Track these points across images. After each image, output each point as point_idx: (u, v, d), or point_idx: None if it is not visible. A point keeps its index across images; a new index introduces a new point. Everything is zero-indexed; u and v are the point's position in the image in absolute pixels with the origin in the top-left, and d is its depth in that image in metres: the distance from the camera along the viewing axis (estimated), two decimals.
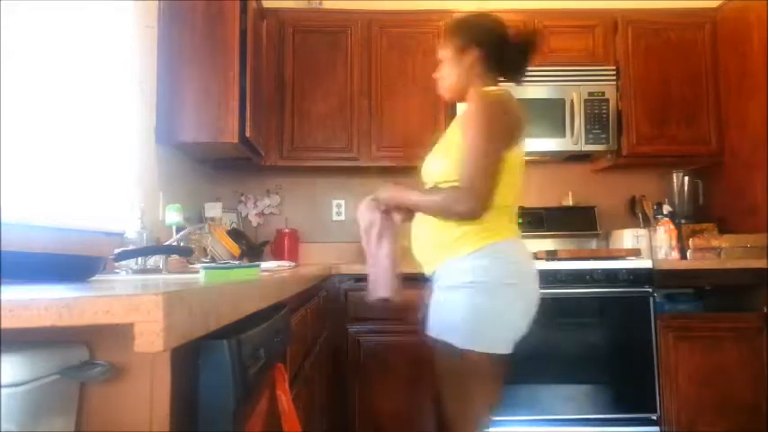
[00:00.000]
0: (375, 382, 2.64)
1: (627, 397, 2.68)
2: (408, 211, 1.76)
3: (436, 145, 1.75)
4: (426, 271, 1.72)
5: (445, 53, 1.75)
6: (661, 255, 3.03)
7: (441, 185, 1.65)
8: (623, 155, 3.13)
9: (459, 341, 1.55)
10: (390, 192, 1.75)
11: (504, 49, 1.71)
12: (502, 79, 1.75)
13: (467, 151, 1.56)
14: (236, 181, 3.36)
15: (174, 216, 2.06)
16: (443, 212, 1.61)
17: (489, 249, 1.58)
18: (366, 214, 1.77)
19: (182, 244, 1.84)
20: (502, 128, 1.58)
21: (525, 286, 1.62)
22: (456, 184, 1.57)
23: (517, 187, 1.67)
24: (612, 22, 3.18)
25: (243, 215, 3.35)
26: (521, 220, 3.30)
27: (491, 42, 1.71)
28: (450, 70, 1.74)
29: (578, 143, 3.06)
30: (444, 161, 1.65)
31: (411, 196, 1.70)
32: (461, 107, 1.71)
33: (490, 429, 2.67)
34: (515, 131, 1.62)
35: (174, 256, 1.79)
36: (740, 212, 3.07)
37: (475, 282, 1.56)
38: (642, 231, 3.17)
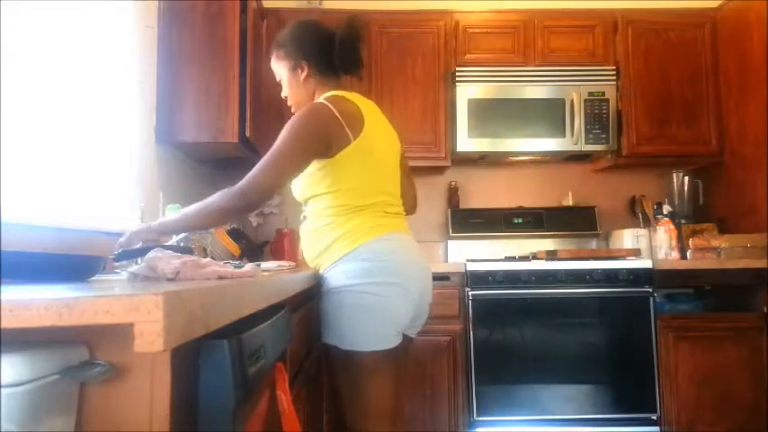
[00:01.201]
0: None
1: (627, 397, 2.68)
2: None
3: None
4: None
5: (281, 74, 1.76)
6: (661, 255, 3.03)
7: (309, 200, 1.68)
8: (623, 155, 3.13)
9: (342, 343, 1.59)
10: (151, 233, 1.62)
11: (331, 52, 1.71)
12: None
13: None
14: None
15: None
16: (218, 213, 1.61)
17: (359, 251, 1.59)
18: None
19: (182, 244, 1.83)
20: (305, 135, 1.57)
21: (406, 283, 1.61)
22: (320, 193, 1.62)
23: (375, 184, 1.66)
24: (612, 22, 3.18)
25: None
26: (520, 220, 3.30)
27: (316, 51, 1.72)
28: (292, 90, 1.76)
29: (578, 143, 3.06)
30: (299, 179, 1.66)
31: (177, 216, 1.66)
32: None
33: (490, 429, 2.69)
34: (328, 133, 1.58)
35: None
36: (740, 212, 3.07)
37: (347, 285, 1.58)
38: (642, 231, 3.17)
